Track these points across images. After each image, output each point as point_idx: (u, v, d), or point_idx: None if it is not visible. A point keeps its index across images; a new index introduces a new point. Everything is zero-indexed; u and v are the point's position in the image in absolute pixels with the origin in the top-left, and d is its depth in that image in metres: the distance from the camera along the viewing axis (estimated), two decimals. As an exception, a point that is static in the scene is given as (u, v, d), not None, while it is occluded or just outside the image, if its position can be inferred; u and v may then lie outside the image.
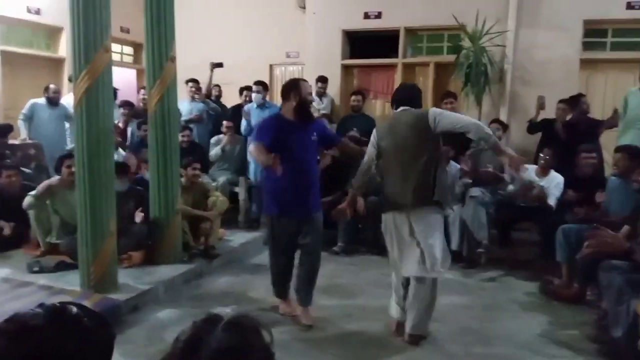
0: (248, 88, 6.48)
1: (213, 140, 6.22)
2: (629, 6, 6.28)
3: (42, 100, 6.37)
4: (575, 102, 5.69)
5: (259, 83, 6.13)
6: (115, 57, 8.47)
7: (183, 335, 0.98)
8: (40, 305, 1.03)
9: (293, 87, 3.51)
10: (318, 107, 6.56)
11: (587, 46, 6.61)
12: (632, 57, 6.41)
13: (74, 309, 1.04)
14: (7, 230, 4.66)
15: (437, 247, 3.15)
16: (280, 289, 3.79)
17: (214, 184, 5.65)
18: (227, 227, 5.68)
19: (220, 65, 6.78)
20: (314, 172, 3.66)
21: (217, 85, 7.21)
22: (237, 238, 5.47)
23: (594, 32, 6.62)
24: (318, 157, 4.33)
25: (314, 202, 3.58)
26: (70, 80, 6.22)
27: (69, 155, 4.51)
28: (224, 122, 6.17)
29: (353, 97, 6.30)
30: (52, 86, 6.43)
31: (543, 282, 4.32)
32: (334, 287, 4.33)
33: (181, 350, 0.95)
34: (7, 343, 0.95)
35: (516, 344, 3.35)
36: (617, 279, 3.19)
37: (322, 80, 6.76)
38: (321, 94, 6.74)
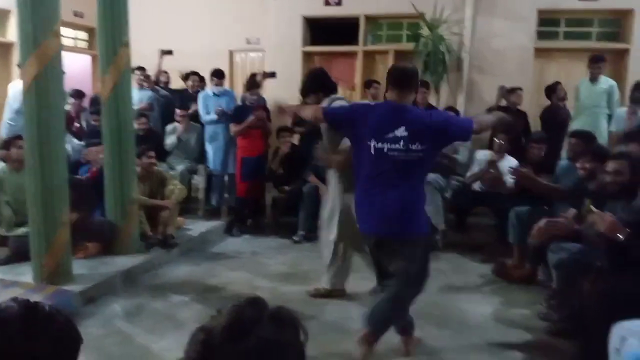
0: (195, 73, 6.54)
1: (168, 129, 6.10)
2: (581, -4, 6.49)
3: None
4: (552, 90, 5.83)
5: (220, 75, 6.06)
6: (69, 42, 8.19)
7: (224, 316, 0.91)
8: (14, 299, 1.01)
9: (416, 76, 2.86)
10: None
11: (541, 35, 6.78)
12: (583, 47, 6.63)
13: (47, 307, 1.02)
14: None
15: None
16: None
17: (172, 172, 5.56)
18: (187, 216, 5.63)
19: (169, 52, 6.65)
20: None
21: (166, 72, 7.06)
22: (197, 227, 5.42)
23: (548, 22, 6.80)
24: None
25: None
26: (20, 66, 6.00)
27: (19, 136, 4.37)
28: (177, 111, 6.05)
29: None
30: None
31: (497, 264, 4.46)
32: (295, 274, 4.37)
33: (225, 331, 0.88)
34: None
35: (469, 325, 3.46)
36: (566, 260, 3.33)
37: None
38: None
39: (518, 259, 4.29)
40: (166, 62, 6.85)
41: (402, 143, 2.64)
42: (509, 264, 4.38)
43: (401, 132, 2.64)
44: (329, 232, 3.77)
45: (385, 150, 2.66)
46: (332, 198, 3.73)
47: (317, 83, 3.72)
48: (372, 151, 2.69)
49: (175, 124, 6.06)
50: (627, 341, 2.24)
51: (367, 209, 2.80)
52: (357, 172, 2.87)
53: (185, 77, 6.68)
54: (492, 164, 4.92)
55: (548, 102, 6.13)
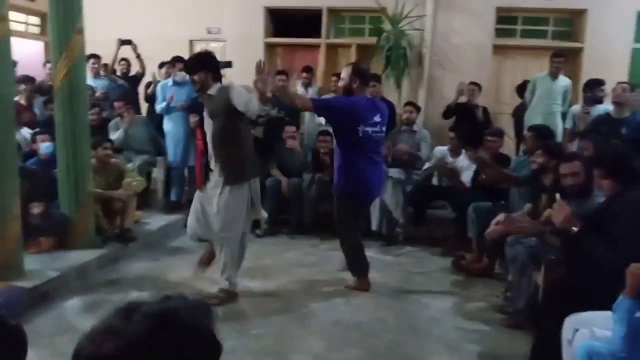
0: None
1: (111, 124, 5.80)
2: (538, -5, 6.65)
3: None
4: (523, 89, 5.72)
5: (181, 60, 5.88)
6: (19, 27, 7.85)
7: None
8: None
9: None
10: None
11: (499, 33, 6.93)
12: (539, 45, 6.81)
13: None
14: None
15: None
16: None
17: (130, 164, 5.39)
18: (146, 209, 5.49)
19: (129, 42, 6.40)
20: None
21: (125, 60, 6.82)
22: (156, 221, 5.29)
23: (506, 20, 6.95)
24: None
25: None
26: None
27: None
28: (115, 104, 5.80)
29: (278, 77, 6.22)
30: None
31: (455, 257, 4.54)
32: (258, 269, 4.30)
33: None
34: None
35: (427, 317, 3.51)
36: (521, 253, 3.41)
37: (308, 70, 6.52)
38: (307, 85, 6.43)
39: (477, 253, 4.38)
40: (126, 51, 6.61)
41: (378, 127, 3.65)
42: (468, 257, 4.47)
43: (377, 118, 3.65)
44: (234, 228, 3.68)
45: (370, 132, 3.59)
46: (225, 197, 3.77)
47: (209, 63, 3.66)
48: (361, 134, 3.55)
49: (118, 118, 5.81)
50: (578, 332, 2.32)
51: (366, 179, 3.68)
52: (345, 151, 3.65)
53: (160, 65, 6.46)
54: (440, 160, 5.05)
55: (505, 97, 6.27)
